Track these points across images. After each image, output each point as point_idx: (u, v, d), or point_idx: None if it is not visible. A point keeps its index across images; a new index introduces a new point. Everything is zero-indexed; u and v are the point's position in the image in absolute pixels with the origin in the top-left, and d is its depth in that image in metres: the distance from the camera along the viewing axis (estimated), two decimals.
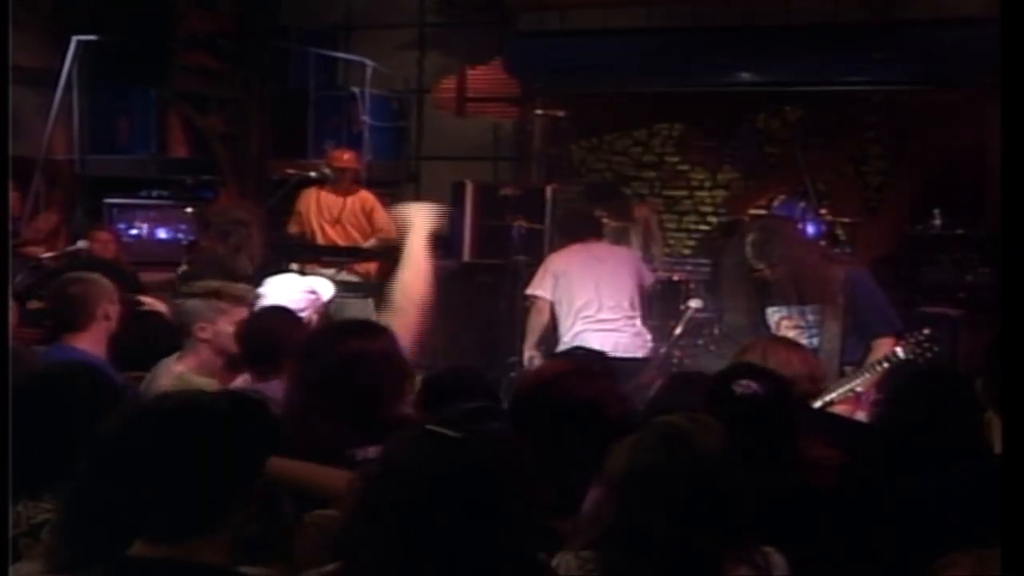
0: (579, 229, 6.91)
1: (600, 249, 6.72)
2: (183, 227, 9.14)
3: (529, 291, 6.73)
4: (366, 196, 8.22)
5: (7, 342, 2.84)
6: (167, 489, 1.94)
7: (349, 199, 8.09)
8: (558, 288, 6.54)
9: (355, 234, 8.13)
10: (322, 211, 8.07)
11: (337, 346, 3.04)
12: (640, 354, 6.53)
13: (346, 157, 8.21)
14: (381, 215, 8.11)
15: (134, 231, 9.06)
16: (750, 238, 5.02)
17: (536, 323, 6.62)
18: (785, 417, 2.83)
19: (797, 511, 2.66)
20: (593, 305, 6.46)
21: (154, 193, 9.20)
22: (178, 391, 2.06)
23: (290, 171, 8.62)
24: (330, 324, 3.62)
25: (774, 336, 4.75)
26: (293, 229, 8.16)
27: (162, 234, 9.21)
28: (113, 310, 4.14)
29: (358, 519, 1.95)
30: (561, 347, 6.45)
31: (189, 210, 9.02)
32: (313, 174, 8.47)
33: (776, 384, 2.92)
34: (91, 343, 4.09)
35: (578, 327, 6.48)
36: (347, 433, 2.82)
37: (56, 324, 4.12)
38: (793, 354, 3.75)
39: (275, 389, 3.34)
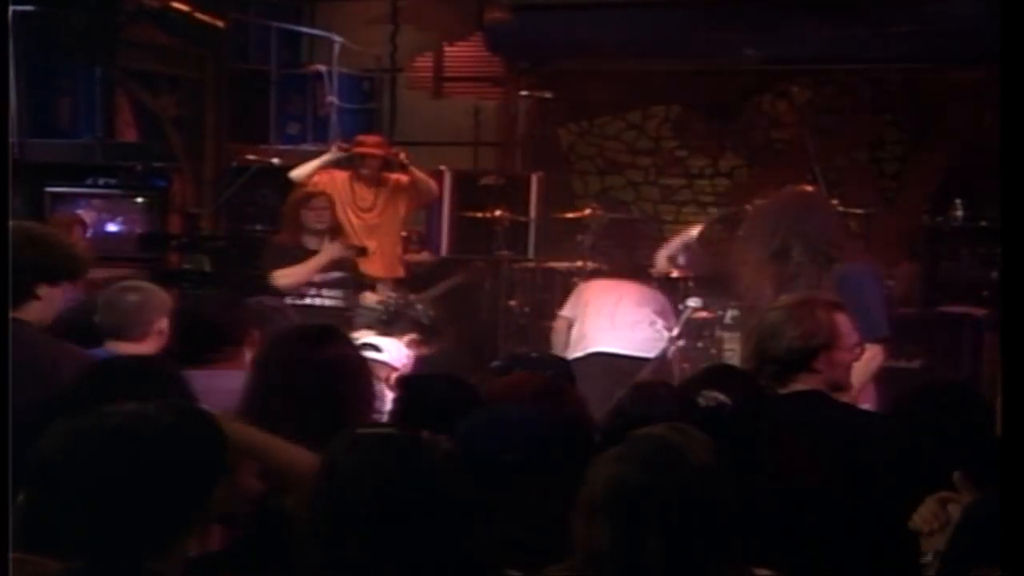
0: (621, 266, 7.52)
1: (632, 287, 7.13)
2: (133, 218, 9.07)
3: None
4: (398, 179, 7.73)
5: (7, 342, 2.87)
6: (110, 510, 1.97)
7: (382, 188, 7.70)
8: (576, 308, 7.05)
9: (389, 220, 7.70)
10: (355, 199, 7.65)
11: (302, 352, 3.15)
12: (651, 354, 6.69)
13: (372, 142, 7.87)
14: (423, 178, 7.68)
15: None
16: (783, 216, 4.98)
17: (556, 342, 7.08)
18: (755, 426, 2.91)
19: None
20: (606, 320, 6.85)
21: (100, 181, 9.13)
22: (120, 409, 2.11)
23: (250, 157, 8.58)
24: (294, 328, 3.71)
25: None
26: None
27: (111, 226, 9.13)
28: (168, 325, 4.17)
29: (309, 531, 2.10)
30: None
31: (139, 200, 8.93)
32: (276, 161, 8.35)
33: (746, 389, 3.05)
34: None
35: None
36: (313, 441, 2.77)
37: (104, 331, 4.12)
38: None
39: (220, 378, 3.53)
